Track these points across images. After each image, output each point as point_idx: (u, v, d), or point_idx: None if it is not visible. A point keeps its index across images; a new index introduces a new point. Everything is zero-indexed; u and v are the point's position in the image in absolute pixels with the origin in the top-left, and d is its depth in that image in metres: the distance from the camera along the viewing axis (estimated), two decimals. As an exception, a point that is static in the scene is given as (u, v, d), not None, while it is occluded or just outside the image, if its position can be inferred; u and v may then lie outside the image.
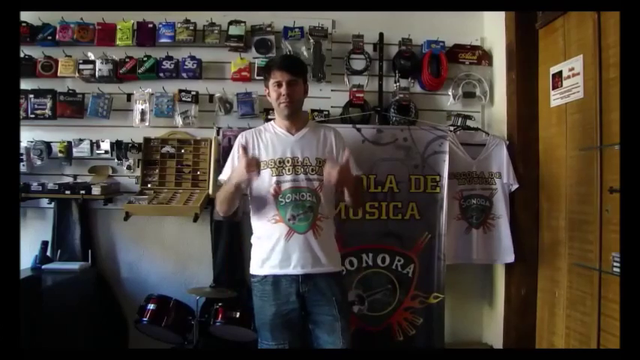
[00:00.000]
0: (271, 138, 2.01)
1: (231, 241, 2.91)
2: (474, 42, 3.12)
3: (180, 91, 2.91)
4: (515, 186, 2.79)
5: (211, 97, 2.97)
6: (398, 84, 3.03)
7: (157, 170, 2.90)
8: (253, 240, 2.03)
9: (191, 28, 2.92)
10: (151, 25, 2.93)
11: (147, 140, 2.91)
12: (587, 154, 2.32)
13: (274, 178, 1.93)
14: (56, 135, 2.91)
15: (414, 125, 2.85)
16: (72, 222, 2.88)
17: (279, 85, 1.95)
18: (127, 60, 2.91)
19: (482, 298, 3.11)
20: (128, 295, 2.94)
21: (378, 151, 2.69)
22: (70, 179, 2.89)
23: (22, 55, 2.83)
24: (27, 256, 2.65)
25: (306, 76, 2.12)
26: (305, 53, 2.93)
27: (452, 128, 2.85)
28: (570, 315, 2.46)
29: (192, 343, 2.57)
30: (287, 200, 1.92)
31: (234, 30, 2.93)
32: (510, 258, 2.76)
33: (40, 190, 2.76)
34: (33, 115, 2.87)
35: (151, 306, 2.60)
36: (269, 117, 2.77)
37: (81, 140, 2.91)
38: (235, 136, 2.20)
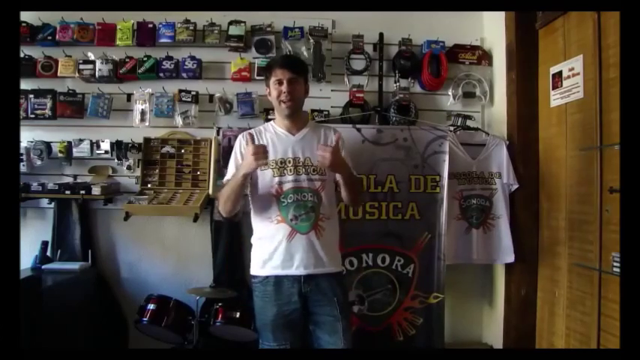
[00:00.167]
0: (272, 138, 2.00)
1: (231, 241, 2.91)
2: (473, 42, 3.12)
3: (180, 91, 2.91)
4: (515, 186, 2.79)
5: (211, 97, 2.97)
6: (398, 84, 3.03)
7: (157, 170, 2.90)
8: (254, 240, 2.02)
9: (191, 28, 2.92)
10: (150, 25, 2.93)
11: (147, 140, 2.91)
12: (587, 154, 2.32)
13: (276, 179, 1.92)
14: (56, 135, 2.91)
15: (414, 125, 2.85)
16: (72, 222, 2.88)
17: (280, 83, 1.94)
18: (127, 60, 2.91)
19: (482, 298, 3.11)
20: (128, 295, 2.94)
21: (378, 151, 2.69)
22: (70, 179, 2.89)
23: (22, 55, 2.83)
24: (27, 256, 2.65)
25: (307, 76, 2.12)
26: (305, 53, 2.93)
27: (452, 128, 2.85)
28: (570, 315, 2.46)
29: (192, 343, 2.57)
30: (289, 200, 1.91)
31: (234, 30, 2.93)
32: (510, 258, 2.76)
33: (40, 190, 2.76)
34: (33, 115, 2.87)
35: (151, 306, 2.59)
36: (269, 117, 2.77)
37: (81, 140, 2.91)
38: (235, 136, 2.19)
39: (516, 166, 2.80)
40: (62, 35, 2.87)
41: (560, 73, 2.57)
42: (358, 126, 2.73)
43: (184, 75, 2.92)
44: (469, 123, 2.90)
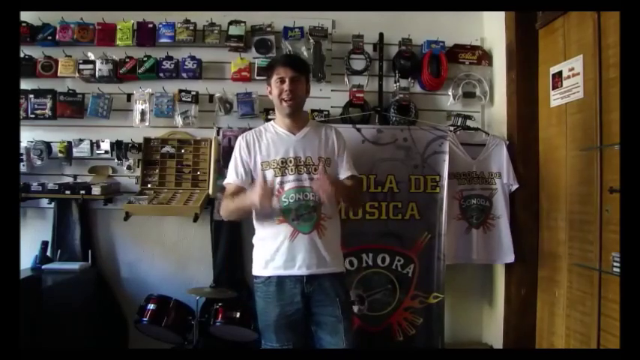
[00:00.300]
0: (272, 138, 2.00)
1: (231, 241, 2.91)
2: (473, 42, 3.12)
3: (180, 91, 2.91)
4: (515, 186, 2.79)
5: (211, 97, 2.97)
6: (398, 84, 3.03)
7: (157, 170, 2.90)
8: (255, 241, 2.02)
9: (191, 28, 2.92)
10: (150, 25, 2.93)
11: (147, 140, 2.91)
12: (587, 154, 2.32)
13: (277, 179, 1.92)
14: (56, 135, 2.91)
15: (414, 125, 2.85)
16: (72, 222, 2.88)
17: (282, 81, 1.94)
18: (127, 60, 2.91)
19: (482, 298, 3.11)
20: (128, 295, 2.94)
21: (378, 151, 2.69)
22: (70, 179, 2.89)
23: (22, 55, 2.83)
24: (27, 256, 2.65)
25: (309, 76, 2.12)
26: (305, 53, 2.93)
27: (452, 128, 2.85)
28: (570, 315, 2.46)
29: (192, 343, 2.57)
30: (290, 200, 1.91)
31: (234, 30, 2.93)
32: (510, 258, 2.76)
33: (40, 190, 2.76)
34: (33, 115, 2.87)
35: (151, 306, 2.60)
36: (269, 117, 2.77)
37: (81, 140, 2.91)
38: (235, 137, 2.20)
39: (516, 166, 2.80)
40: (62, 35, 2.87)
41: (560, 73, 2.57)
42: (358, 126, 2.73)
43: (184, 75, 2.92)
44: (469, 123, 2.90)
